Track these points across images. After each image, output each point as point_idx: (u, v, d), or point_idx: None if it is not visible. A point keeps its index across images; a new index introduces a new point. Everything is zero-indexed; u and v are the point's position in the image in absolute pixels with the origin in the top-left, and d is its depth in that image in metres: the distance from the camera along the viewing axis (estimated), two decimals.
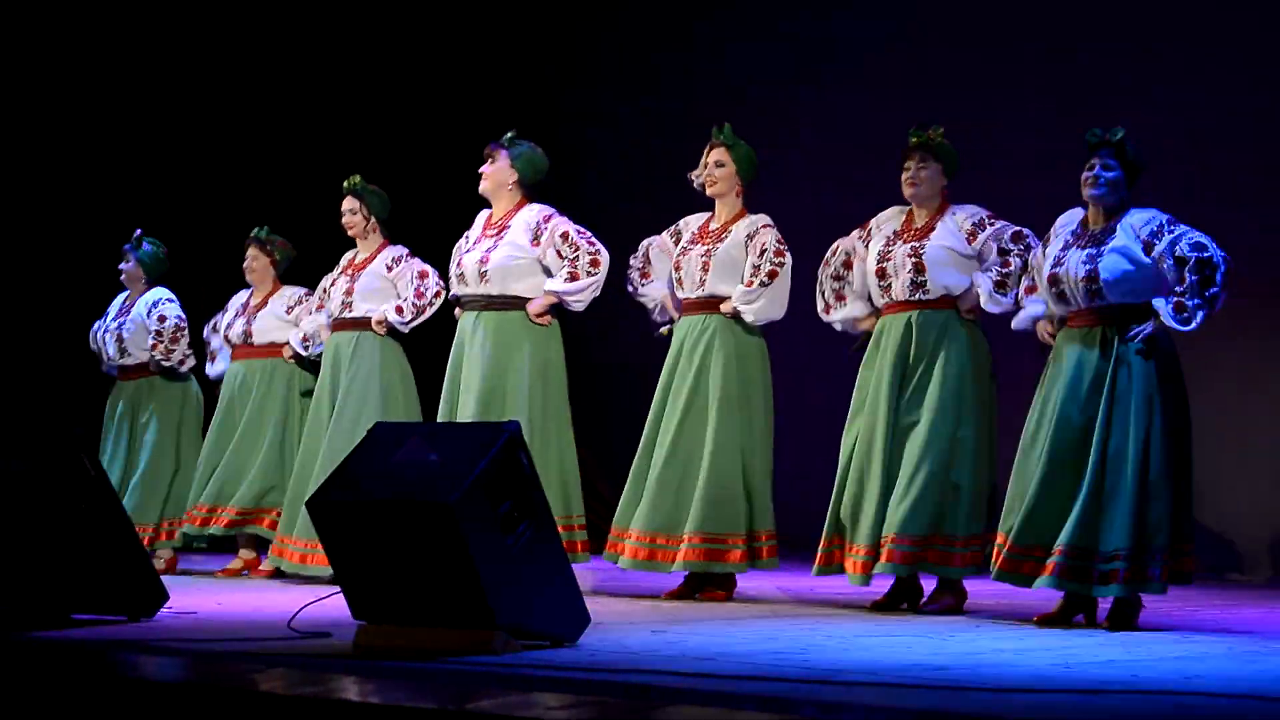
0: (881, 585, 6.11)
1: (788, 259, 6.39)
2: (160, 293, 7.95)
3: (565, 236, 6.68)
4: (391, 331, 7.15)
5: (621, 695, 3.78)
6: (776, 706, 3.56)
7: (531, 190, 6.81)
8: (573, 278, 6.66)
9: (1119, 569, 5.30)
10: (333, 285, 7.30)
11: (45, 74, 9.72)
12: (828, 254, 6.30)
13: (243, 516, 7.51)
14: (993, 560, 5.59)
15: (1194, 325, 5.36)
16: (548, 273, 6.73)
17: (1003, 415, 6.06)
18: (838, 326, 6.30)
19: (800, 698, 3.68)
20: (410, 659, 4.35)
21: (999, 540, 5.58)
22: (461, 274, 6.77)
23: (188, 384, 7.97)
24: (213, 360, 7.88)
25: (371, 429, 4.84)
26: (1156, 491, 5.35)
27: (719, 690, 3.78)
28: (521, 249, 6.68)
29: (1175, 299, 5.36)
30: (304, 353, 7.52)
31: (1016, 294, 5.88)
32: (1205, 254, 5.35)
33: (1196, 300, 5.34)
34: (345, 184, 7.30)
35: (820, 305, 6.31)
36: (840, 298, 6.26)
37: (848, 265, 6.25)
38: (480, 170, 6.78)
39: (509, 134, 6.80)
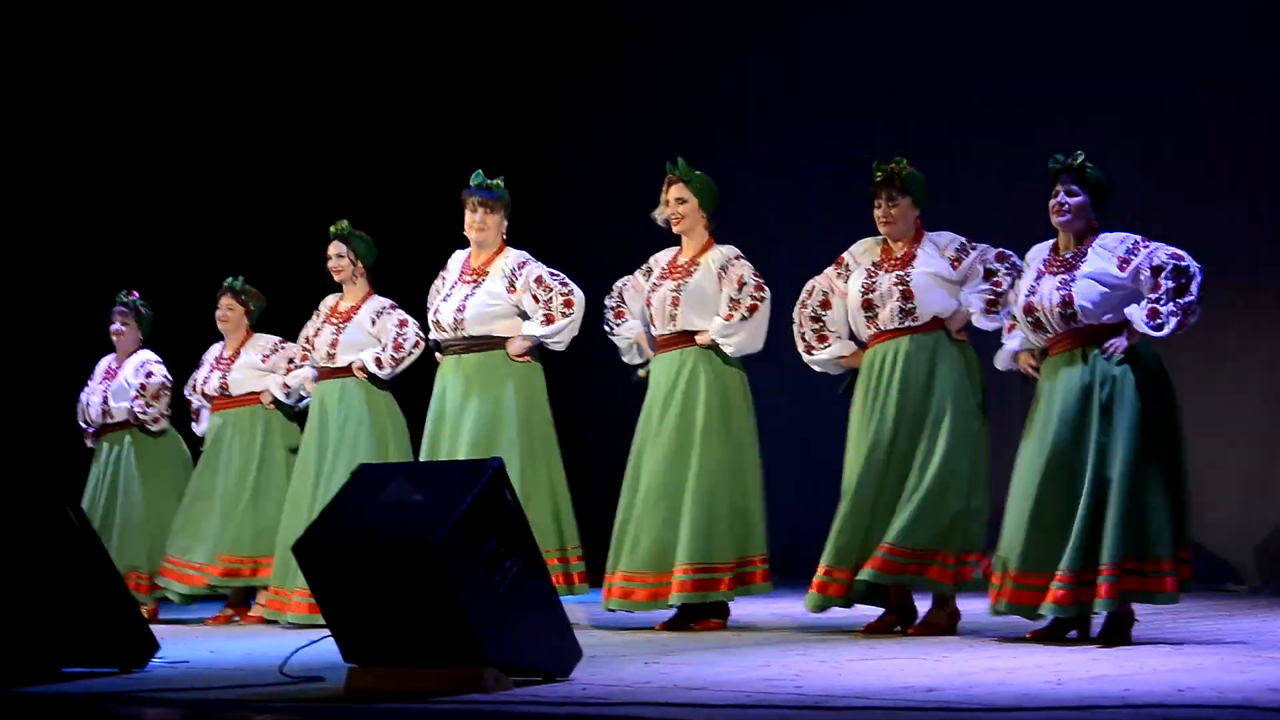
0: (876, 609, 6.11)
1: (767, 292, 6.41)
2: (147, 355, 7.95)
3: (539, 281, 6.71)
4: (372, 377, 7.15)
5: None
6: None
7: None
8: (548, 320, 6.69)
9: (1115, 581, 5.30)
10: (316, 335, 7.28)
11: (16, 122, 9.74)
12: (803, 295, 6.28)
13: (229, 569, 7.50)
14: (993, 594, 5.57)
15: (1166, 331, 5.37)
16: (524, 316, 6.75)
17: (997, 435, 6.09)
18: (817, 368, 6.29)
19: None
20: (402, 700, 4.34)
21: (996, 574, 5.56)
22: (438, 321, 6.79)
23: (170, 438, 7.96)
24: (197, 419, 7.85)
25: (355, 471, 4.84)
26: (1153, 501, 5.36)
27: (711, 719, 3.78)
28: (498, 296, 6.72)
29: (1149, 305, 5.39)
30: (284, 400, 7.54)
31: (1009, 310, 5.88)
32: (1182, 263, 5.39)
33: (1170, 306, 5.36)
34: (332, 229, 7.30)
35: (801, 346, 6.28)
36: (822, 338, 6.25)
37: (825, 305, 6.23)
38: (478, 220, 6.77)
39: (499, 182, 6.80)
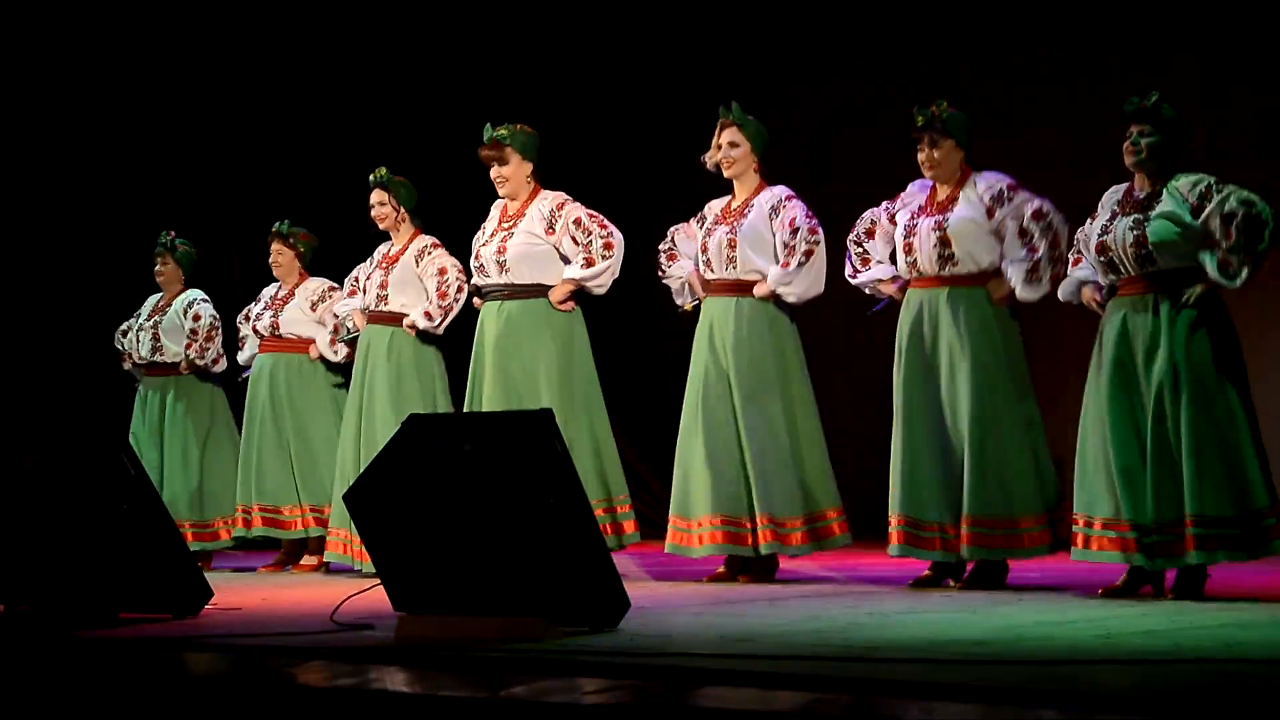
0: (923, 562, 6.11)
1: (821, 234, 6.41)
2: (195, 293, 8.05)
3: (578, 222, 6.72)
4: (423, 333, 7.18)
5: (660, 678, 3.79)
6: (812, 685, 3.56)
7: (539, 173, 6.82)
8: (588, 263, 6.70)
9: (1198, 535, 5.28)
10: (368, 279, 7.33)
11: (61, 73, 9.78)
12: (856, 221, 6.31)
13: (272, 518, 7.61)
14: (1074, 539, 5.56)
15: (1240, 281, 5.32)
16: (565, 260, 6.76)
17: (1045, 391, 6.05)
18: (867, 290, 6.31)
19: (836, 676, 3.68)
20: (451, 648, 4.37)
21: (1079, 521, 5.55)
22: (481, 265, 6.82)
23: (216, 389, 8.04)
24: (242, 346, 7.95)
25: (405, 421, 4.86)
26: (1231, 454, 5.32)
27: (756, 671, 3.78)
28: (537, 237, 6.74)
29: (1221, 255, 5.33)
30: (332, 357, 7.61)
31: (1049, 276, 5.85)
32: (1253, 210, 5.30)
33: (1242, 256, 5.30)
34: (372, 176, 7.33)
35: (848, 270, 6.34)
36: (865, 261, 6.28)
37: (870, 234, 6.27)
38: (493, 177, 6.79)
39: (503, 130, 6.76)
